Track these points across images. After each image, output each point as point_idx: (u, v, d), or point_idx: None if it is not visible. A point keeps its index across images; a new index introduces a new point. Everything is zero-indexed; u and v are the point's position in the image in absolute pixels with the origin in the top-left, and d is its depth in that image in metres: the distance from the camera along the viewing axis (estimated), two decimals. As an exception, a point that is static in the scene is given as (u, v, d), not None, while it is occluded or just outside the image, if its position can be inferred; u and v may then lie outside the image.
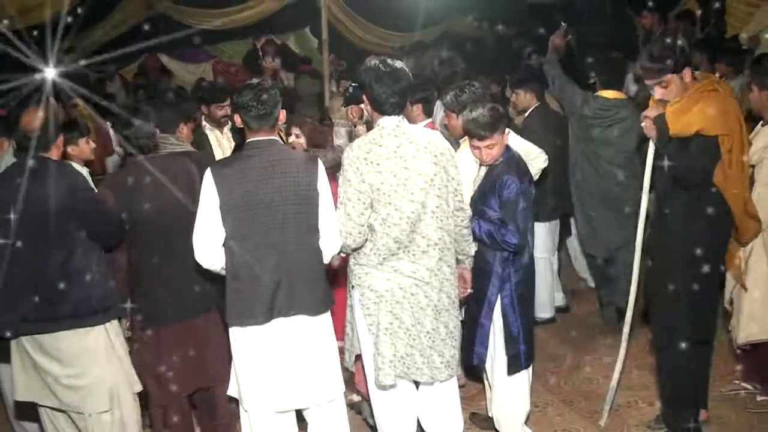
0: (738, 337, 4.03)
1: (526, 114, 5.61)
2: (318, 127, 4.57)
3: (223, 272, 3.26)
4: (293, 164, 3.25)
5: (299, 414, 3.47)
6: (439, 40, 12.82)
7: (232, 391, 3.43)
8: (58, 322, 3.41)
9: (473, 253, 3.70)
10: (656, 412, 4.10)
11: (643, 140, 3.89)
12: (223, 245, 3.21)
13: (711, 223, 3.62)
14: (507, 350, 3.73)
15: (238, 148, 5.09)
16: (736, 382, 4.41)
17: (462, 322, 3.75)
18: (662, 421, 3.96)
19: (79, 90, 9.73)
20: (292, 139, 4.34)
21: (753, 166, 3.92)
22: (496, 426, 3.93)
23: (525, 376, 3.85)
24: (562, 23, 5.84)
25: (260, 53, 10.65)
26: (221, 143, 5.36)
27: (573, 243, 6.25)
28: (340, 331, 3.61)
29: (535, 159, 4.48)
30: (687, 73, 3.59)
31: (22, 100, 5.12)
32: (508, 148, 3.77)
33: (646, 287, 3.99)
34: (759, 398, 4.27)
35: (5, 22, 7.95)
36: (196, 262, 3.25)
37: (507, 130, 3.78)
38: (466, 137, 4.10)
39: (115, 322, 3.62)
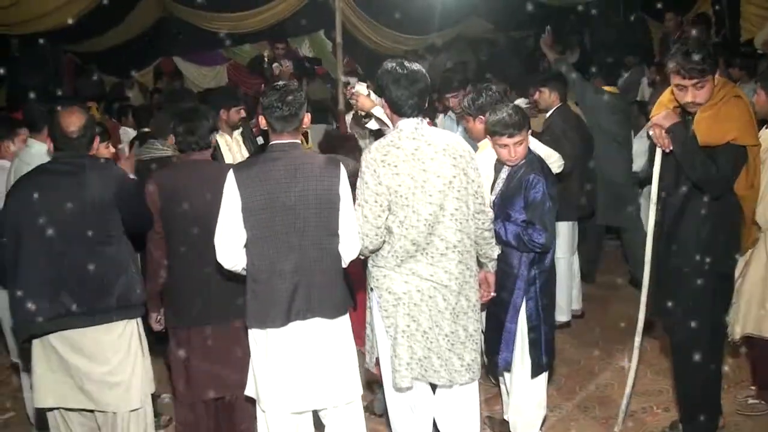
0: (734, 332, 4.06)
1: (548, 114, 5.64)
2: (334, 131, 4.61)
3: (245, 272, 3.29)
4: (315, 168, 3.27)
5: (316, 417, 3.49)
6: (452, 44, 12.86)
7: (249, 391, 3.46)
8: (97, 316, 3.40)
9: (496, 257, 3.70)
10: (672, 418, 4.10)
11: (653, 149, 3.84)
12: (245, 247, 3.24)
13: (731, 232, 3.63)
14: (532, 354, 3.75)
15: (256, 151, 5.12)
16: (752, 388, 4.40)
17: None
18: (681, 429, 3.93)
19: (95, 92, 9.85)
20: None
21: None
22: (512, 430, 3.94)
23: (544, 380, 3.86)
24: (548, 28, 6.63)
25: (265, 59, 10.67)
26: (231, 147, 5.39)
27: None
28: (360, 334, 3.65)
29: (553, 164, 4.49)
30: (717, 76, 3.52)
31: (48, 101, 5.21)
32: (528, 150, 3.79)
33: (656, 298, 3.90)
34: (750, 401, 4.29)
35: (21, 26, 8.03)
36: (219, 264, 3.29)
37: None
38: (484, 141, 4.14)
39: (140, 318, 3.64)
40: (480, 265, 3.64)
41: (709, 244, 3.57)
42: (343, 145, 4.53)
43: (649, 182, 7.04)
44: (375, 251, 3.42)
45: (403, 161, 3.32)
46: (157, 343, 4.09)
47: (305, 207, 3.22)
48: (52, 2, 7.84)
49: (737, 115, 3.46)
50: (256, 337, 3.30)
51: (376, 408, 4.36)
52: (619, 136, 6.11)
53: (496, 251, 3.68)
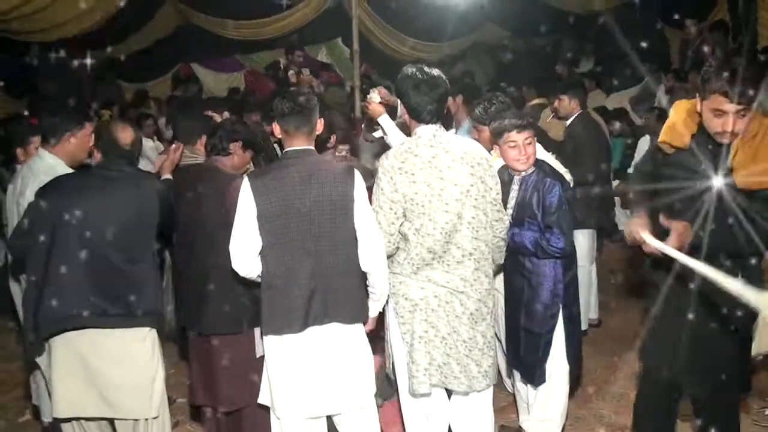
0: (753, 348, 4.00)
1: (569, 122, 5.64)
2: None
3: (260, 279, 3.30)
4: (330, 173, 3.28)
5: (330, 422, 3.49)
6: (468, 51, 12.88)
7: (262, 399, 3.46)
8: (126, 319, 3.41)
9: (501, 262, 3.71)
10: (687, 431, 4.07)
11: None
12: (260, 254, 3.26)
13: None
14: (569, 363, 3.76)
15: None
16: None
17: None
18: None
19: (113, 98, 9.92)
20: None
21: None
22: (529, 438, 3.93)
23: (566, 389, 3.87)
24: None
25: (281, 66, 10.73)
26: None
27: None
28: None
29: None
30: None
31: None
32: (536, 159, 3.78)
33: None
34: (767, 412, 4.25)
35: (43, 33, 8.12)
36: (234, 272, 3.30)
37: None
38: (494, 150, 4.13)
39: None
40: None
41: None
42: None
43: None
44: (388, 257, 3.42)
45: (420, 169, 3.32)
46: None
47: (320, 213, 3.22)
48: (73, 10, 7.92)
49: None
50: (271, 343, 3.30)
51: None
52: None
53: (502, 258, 3.67)
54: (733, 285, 2.63)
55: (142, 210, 3.46)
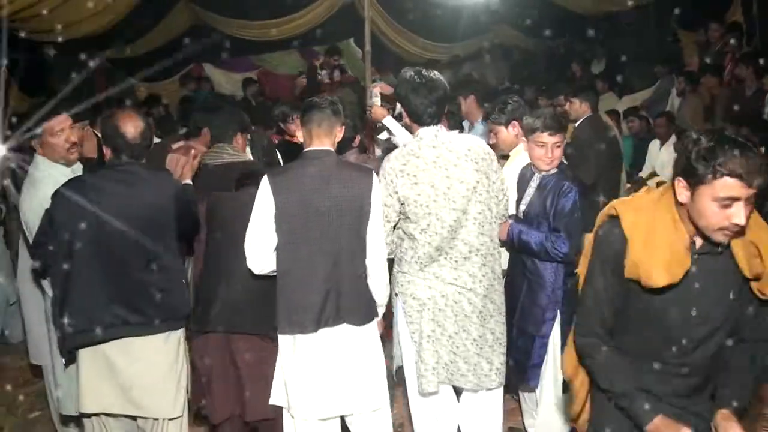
0: None
1: (576, 124, 5.60)
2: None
3: (275, 273, 3.30)
4: (349, 175, 3.30)
5: (342, 423, 3.49)
6: (481, 51, 12.86)
7: (275, 399, 3.46)
8: (148, 326, 3.33)
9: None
10: None
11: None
12: (276, 252, 3.26)
13: None
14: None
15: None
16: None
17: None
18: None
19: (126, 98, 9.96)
20: None
21: None
22: (538, 443, 3.90)
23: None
24: None
25: (318, 68, 10.74)
26: None
27: None
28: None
29: None
30: None
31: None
32: (561, 163, 3.77)
33: None
34: None
35: (57, 33, 8.16)
36: (249, 270, 3.30)
37: None
38: (514, 150, 4.12)
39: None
40: None
41: None
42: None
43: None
44: (394, 257, 3.46)
45: (422, 170, 3.33)
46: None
47: (338, 213, 3.23)
48: (87, 10, 7.96)
49: None
50: (285, 343, 3.31)
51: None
52: None
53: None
54: None
55: (151, 212, 3.31)
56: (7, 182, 4.41)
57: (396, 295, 3.53)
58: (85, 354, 3.36)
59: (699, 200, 2.20)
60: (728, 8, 9.63)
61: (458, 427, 3.66)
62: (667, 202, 2.34)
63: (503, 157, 4.17)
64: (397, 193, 3.34)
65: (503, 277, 3.64)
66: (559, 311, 3.65)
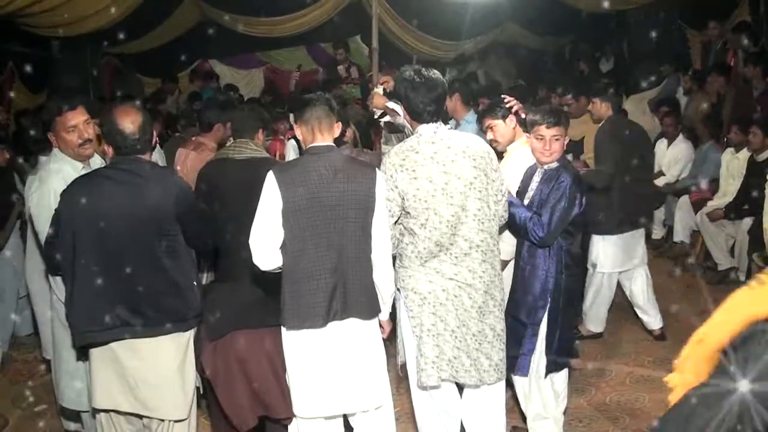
0: None
1: (600, 124, 5.61)
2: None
3: (280, 270, 3.29)
4: (354, 170, 3.32)
5: (346, 422, 3.50)
6: (488, 49, 12.85)
7: None
8: (153, 329, 3.27)
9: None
10: None
11: None
12: (282, 247, 3.25)
13: None
14: (547, 354, 3.76)
15: None
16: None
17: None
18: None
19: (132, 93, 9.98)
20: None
21: None
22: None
23: (561, 382, 3.89)
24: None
25: (336, 58, 10.79)
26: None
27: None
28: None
29: None
30: None
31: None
32: (563, 156, 3.83)
33: None
34: None
35: (64, 28, 8.18)
36: (255, 266, 3.28)
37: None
38: (512, 146, 4.17)
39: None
40: None
41: None
42: None
43: (686, 192, 6.96)
44: (396, 252, 3.47)
45: (421, 165, 3.37)
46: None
47: (345, 207, 3.25)
48: (94, 5, 7.96)
49: None
50: (291, 339, 3.31)
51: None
52: None
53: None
54: None
55: (153, 212, 3.22)
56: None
57: (398, 289, 3.54)
58: (96, 352, 3.35)
59: None
60: (736, 7, 9.61)
61: (461, 423, 3.67)
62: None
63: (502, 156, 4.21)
64: (397, 187, 3.37)
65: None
66: (549, 300, 3.71)
